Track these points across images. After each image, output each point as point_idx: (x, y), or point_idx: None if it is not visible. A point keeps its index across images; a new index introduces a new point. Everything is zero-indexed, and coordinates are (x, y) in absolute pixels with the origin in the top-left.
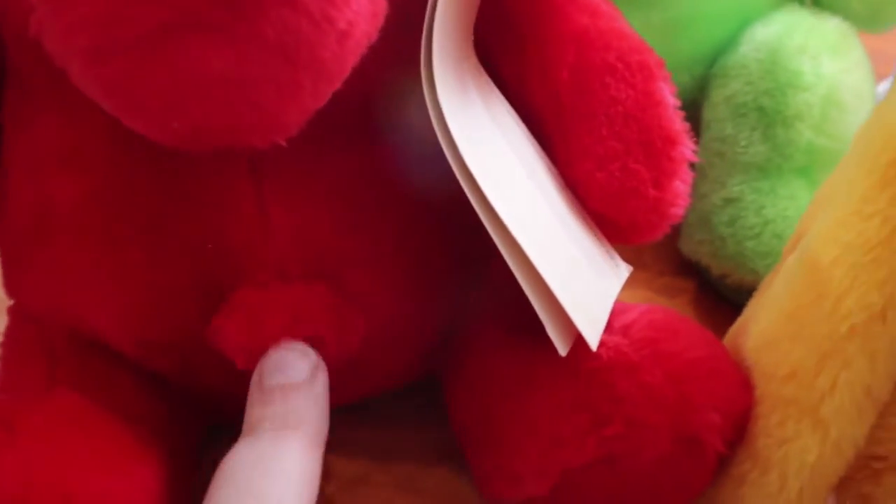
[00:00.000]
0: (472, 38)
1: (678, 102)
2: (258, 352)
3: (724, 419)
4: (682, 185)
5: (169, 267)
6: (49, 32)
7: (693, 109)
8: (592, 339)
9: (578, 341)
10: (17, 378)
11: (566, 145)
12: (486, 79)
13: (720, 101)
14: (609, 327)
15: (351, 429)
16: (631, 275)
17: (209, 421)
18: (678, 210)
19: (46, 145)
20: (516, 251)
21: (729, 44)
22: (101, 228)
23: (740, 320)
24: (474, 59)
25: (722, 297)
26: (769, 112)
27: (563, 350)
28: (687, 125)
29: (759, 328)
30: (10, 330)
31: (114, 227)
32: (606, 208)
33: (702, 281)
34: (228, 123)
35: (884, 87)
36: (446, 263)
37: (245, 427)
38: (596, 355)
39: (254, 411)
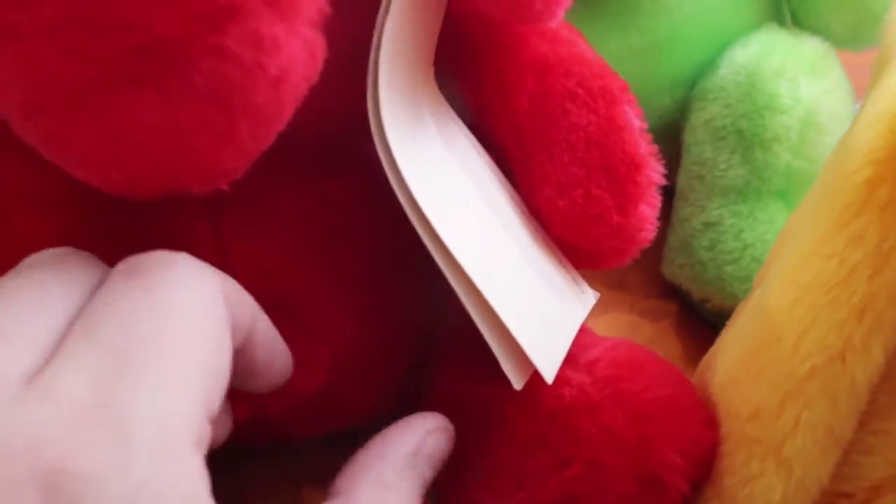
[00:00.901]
0: (432, 68)
1: (644, 125)
2: None
3: (687, 459)
4: (648, 210)
5: None
6: None
7: (675, 132)
8: (548, 373)
9: (542, 381)
10: None
11: (528, 173)
12: (446, 108)
13: (700, 125)
14: (575, 364)
15: (328, 460)
16: (615, 297)
17: None
18: (646, 234)
19: (11, 189)
20: (468, 285)
21: (709, 66)
22: None
23: (710, 352)
24: (434, 92)
25: (705, 320)
26: (747, 135)
27: (517, 384)
28: (655, 148)
29: (724, 365)
30: None
31: None
32: (570, 235)
33: (686, 304)
34: (167, 172)
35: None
36: (410, 294)
37: None
38: (559, 395)
39: None
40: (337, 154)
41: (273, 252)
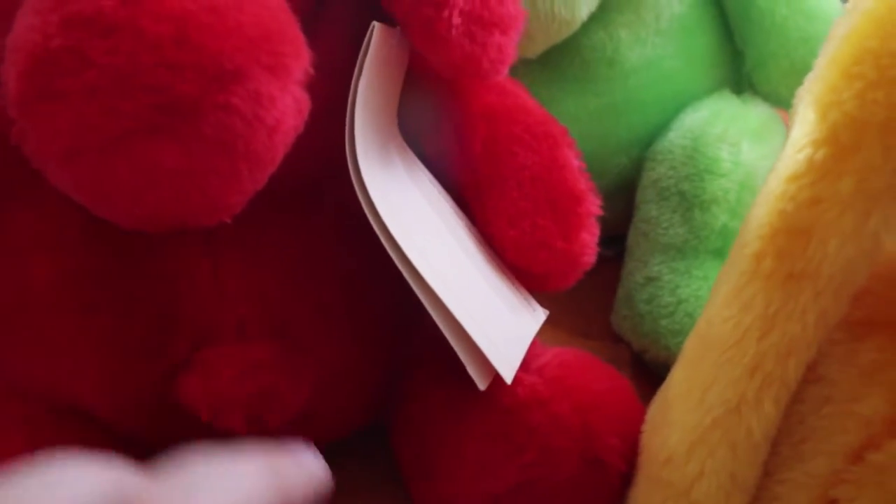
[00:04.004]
0: (396, 119)
1: (583, 165)
2: (218, 404)
3: (623, 442)
4: (589, 237)
5: (136, 336)
6: (29, 140)
7: (632, 190)
8: (507, 374)
9: (501, 382)
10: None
11: (482, 208)
12: (411, 156)
13: (648, 184)
14: (527, 367)
15: None
16: (579, 344)
17: None
18: (588, 259)
19: (24, 233)
20: (437, 303)
21: (663, 128)
22: (74, 304)
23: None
24: (399, 140)
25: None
26: (688, 196)
27: (481, 385)
28: (593, 184)
29: (649, 414)
30: None
31: (86, 303)
32: (521, 260)
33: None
34: (180, 208)
35: None
36: (386, 315)
37: None
38: (514, 393)
39: None
40: (316, 195)
41: (263, 280)
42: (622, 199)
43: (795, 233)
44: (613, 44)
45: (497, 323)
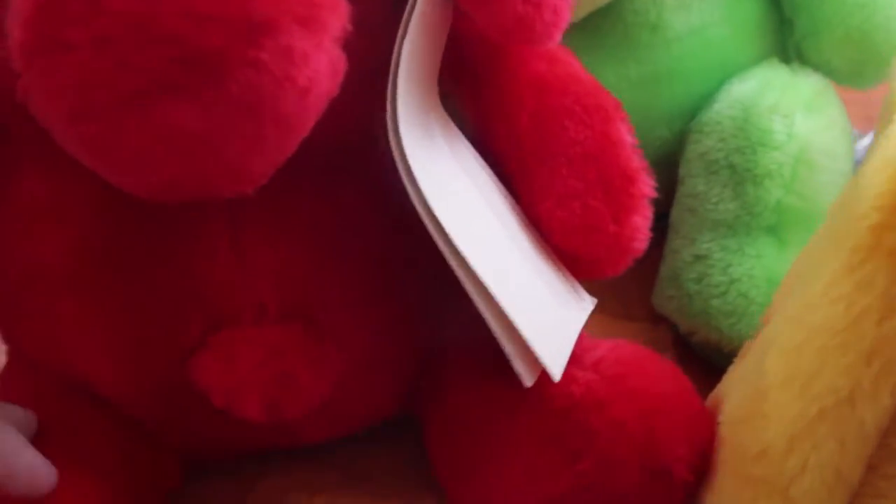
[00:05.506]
0: (438, 90)
1: (636, 141)
2: (234, 389)
3: (691, 450)
4: (641, 220)
5: (151, 312)
6: (34, 96)
7: (673, 164)
8: (555, 371)
9: (551, 379)
10: None
11: (529, 186)
12: (452, 127)
13: (694, 158)
14: (580, 363)
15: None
16: (620, 326)
17: (188, 460)
18: (639, 244)
19: (33, 200)
20: (481, 290)
21: (708, 99)
22: (86, 277)
23: (715, 391)
24: (440, 110)
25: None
26: (739, 170)
27: (527, 382)
28: (646, 163)
29: (732, 405)
30: (6, 372)
31: (98, 276)
32: (568, 244)
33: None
34: (199, 176)
35: (867, 141)
36: (416, 298)
37: None
38: (569, 392)
39: None
40: (346, 164)
41: (287, 259)
42: (662, 174)
43: None
44: (657, 8)
45: (544, 314)
